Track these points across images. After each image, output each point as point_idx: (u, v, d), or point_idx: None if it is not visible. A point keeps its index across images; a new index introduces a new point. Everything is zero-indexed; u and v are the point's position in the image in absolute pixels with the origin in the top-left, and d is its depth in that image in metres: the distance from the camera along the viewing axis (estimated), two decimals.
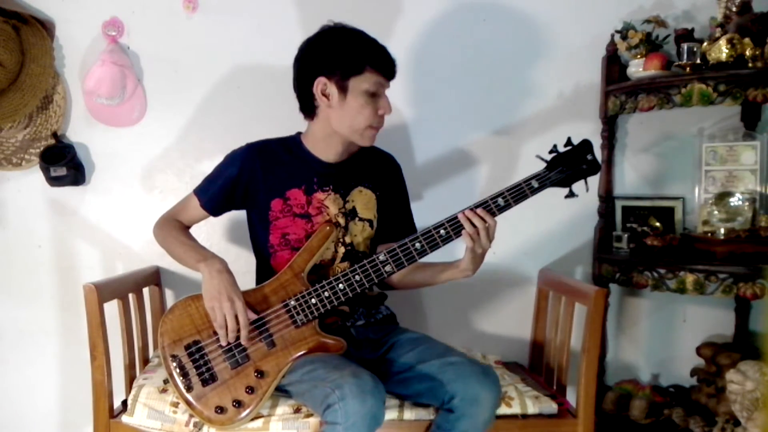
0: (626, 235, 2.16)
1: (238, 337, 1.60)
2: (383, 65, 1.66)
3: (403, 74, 2.15)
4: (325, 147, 1.74)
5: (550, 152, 1.63)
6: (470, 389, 1.51)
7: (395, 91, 2.17)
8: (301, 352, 1.61)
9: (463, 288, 2.17)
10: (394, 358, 1.67)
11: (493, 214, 1.60)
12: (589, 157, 1.65)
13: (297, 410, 1.62)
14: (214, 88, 2.15)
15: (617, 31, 2.14)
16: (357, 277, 1.62)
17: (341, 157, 1.76)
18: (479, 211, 1.59)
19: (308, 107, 1.73)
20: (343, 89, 1.65)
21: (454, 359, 1.57)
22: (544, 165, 1.64)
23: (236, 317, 1.57)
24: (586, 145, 1.65)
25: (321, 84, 1.67)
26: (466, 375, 1.53)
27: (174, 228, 1.78)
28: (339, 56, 1.65)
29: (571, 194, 1.64)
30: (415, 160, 2.20)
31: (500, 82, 2.21)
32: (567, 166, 1.63)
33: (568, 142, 1.65)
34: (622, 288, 2.26)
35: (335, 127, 1.69)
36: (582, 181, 1.65)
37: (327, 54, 1.66)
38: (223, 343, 1.60)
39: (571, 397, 1.83)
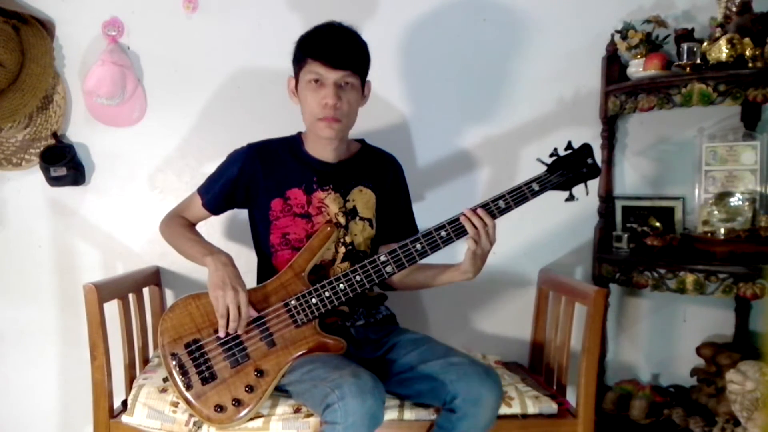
0: (626, 235, 2.16)
1: (237, 336, 1.60)
2: (321, 52, 1.63)
3: (403, 74, 2.16)
4: (318, 146, 1.75)
5: (551, 155, 1.64)
6: (472, 389, 1.51)
7: (395, 91, 2.18)
8: (301, 352, 1.61)
9: (463, 288, 2.15)
10: (395, 358, 1.66)
11: (494, 216, 1.60)
12: (589, 160, 1.66)
13: (297, 410, 1.62)
14: (214, 88, 2.15)
15: (617, 31, 2.14)
16: (357, 278, 1.62)
17: (340, 156, 1.76)
18: (479, 211, 1.59)
19: None
20: (297, 84, 1.71)
21: (456, 359, 1.57)
22: (544, 167, 1.64)
23: (238, 308, 1.57)
24: (586, 148, 1.66)
25: (291, 82, 1.74)
26: (468, 375, 1.52)
27: (180, 225, 1.79)
28: (294, 53, 1.71)
29: (571, 197, 1.65)
30: (415, 160, 2.20)
31: (500, 82, 2.21)
32: (567, 169, 1.64)
33: (569, 145, 1.65)
34: (622, 288, 2.26)
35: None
36: (582, 185, 1.66)
37: (294, 53, 1.73)
38: (222, 334, 1.59)
39: (571, 397, 1.83)
